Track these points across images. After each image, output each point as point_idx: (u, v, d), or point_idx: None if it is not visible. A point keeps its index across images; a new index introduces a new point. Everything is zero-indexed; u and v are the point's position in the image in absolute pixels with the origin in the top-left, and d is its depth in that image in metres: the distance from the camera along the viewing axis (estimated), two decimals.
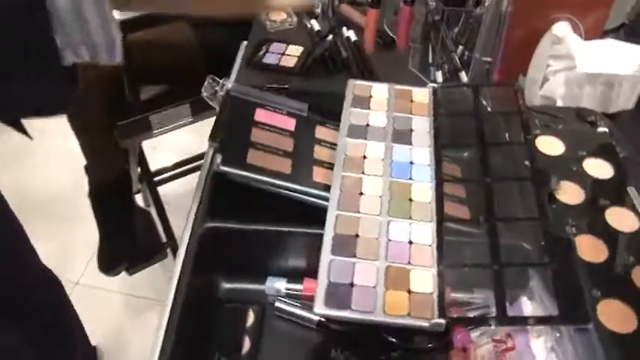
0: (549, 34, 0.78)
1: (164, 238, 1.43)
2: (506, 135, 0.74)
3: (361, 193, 0.67)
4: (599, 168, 0.69)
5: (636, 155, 0.73)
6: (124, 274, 1.37)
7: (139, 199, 1.48)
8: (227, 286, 0.71)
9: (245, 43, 0.95)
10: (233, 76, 0.89)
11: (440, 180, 0.67)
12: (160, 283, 1.50)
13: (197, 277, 0.63)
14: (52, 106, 0.55)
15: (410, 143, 0.72)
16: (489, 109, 0.77)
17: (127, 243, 1.36)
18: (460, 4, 0.79)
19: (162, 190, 1.43)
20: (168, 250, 1.43)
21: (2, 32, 0.45)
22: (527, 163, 0.69)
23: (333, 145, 0.75)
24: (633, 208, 0.64)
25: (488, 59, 0.88)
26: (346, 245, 0.61)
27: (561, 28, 0.77)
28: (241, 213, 0.68)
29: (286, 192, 0.70)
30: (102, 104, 1.13)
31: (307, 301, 0.67)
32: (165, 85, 1.22)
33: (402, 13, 0.87)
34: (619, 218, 0.63)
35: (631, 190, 0.66)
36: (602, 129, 0.74)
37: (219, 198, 0.70)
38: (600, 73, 0.74)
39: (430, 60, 0.85)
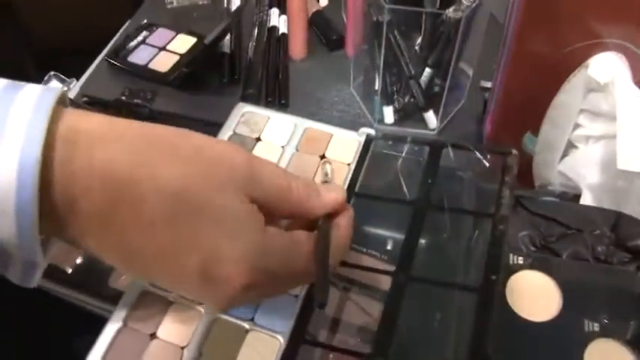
0: (582, 72, 0.42)
1: None
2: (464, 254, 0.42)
3: (154, 336, 0.39)
4: None
5: None
6: None
7: None
8: None
9: (129, 22, 0.66)
10: (85, 74, 0.61)
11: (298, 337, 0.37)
12: None
13: None
14: None
15: None
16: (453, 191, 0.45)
17: None
18: (418, 0, 0.45)
19: None
20: None
21: None
22: None
23: None
24: None
25: (488, 85, 0.53)
26: None
27: (604, 66, 0.41)
28: None
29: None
30: None
31: None
32: None
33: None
34: None
35: None
36: None
37: None
38: None
39: (376, 85, 0.51)
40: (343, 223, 0.33)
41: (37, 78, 0.58)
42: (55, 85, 0.60)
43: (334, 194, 0.33)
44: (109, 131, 0.27)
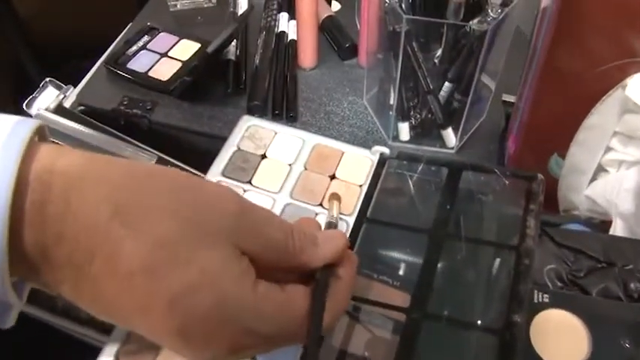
0: (619, 92, 0.39)
1: None
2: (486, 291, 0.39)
3: None
4: None
5: None
6: None
7: None
8: None
9: (130, 25, 0.63)
10: (83, 81, 0.58)
11: None
12: None
13: None
14: None
15: None
16: (468, 217, 0.42)
17: None
18: (439, 10, 0.42)
19: None
20: None
21: None
22: None
23: None
24: None
25: (511, 99, 0.50)
26: None
27: None
28: None
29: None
30: None
31: None
32: None
33: (362, 4, 0.51)
34: None
35: None
36: None
37: None
38: None
39: (391, 99, 0.48)
40: (344, 275, 0.30)
41: (39, 79, 0.56)
42: (51, 92, 0.57)
43: (334, 243, 0.30)
44: (87, 173, 0.25)
